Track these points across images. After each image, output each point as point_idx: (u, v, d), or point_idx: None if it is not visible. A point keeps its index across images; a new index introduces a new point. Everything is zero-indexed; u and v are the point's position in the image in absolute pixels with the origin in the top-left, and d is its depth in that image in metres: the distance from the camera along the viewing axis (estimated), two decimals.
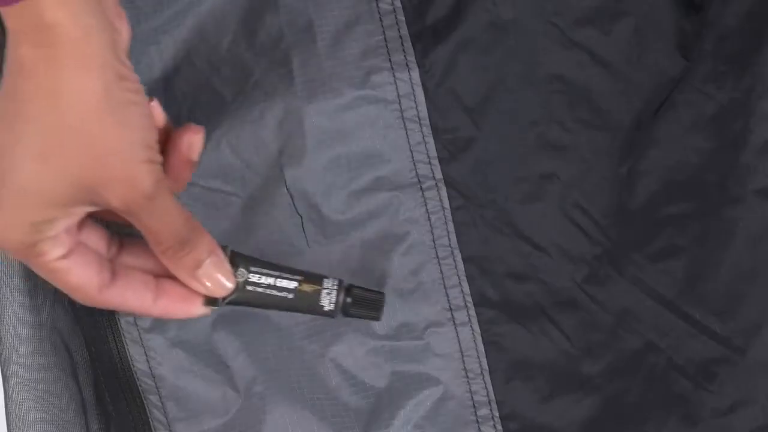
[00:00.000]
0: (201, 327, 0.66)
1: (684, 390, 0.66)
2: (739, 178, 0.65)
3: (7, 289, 0.64)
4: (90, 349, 0.66)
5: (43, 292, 0.65)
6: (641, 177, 0.65)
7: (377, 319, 0.63)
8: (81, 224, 0.54)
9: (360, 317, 0.63)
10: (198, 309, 0.57)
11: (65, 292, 0.54)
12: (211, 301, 0.58)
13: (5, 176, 0.49)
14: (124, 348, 0.66)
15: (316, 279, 0.61)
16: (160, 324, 0.65)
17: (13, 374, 0.64)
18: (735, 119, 0.64)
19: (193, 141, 0.55)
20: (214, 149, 0.64)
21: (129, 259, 0.57)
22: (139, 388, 0.66)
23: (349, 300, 0.62)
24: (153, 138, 0.52)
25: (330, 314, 0.61)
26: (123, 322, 0.65)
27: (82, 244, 0.54)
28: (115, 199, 0.50)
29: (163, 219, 0.52)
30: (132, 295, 0.55)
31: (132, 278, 0.56)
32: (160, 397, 0.66)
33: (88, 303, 0.55)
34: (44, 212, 0.50)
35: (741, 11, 0.64)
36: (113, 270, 0.55)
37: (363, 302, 0.62)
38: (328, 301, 0.61)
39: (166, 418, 0.66)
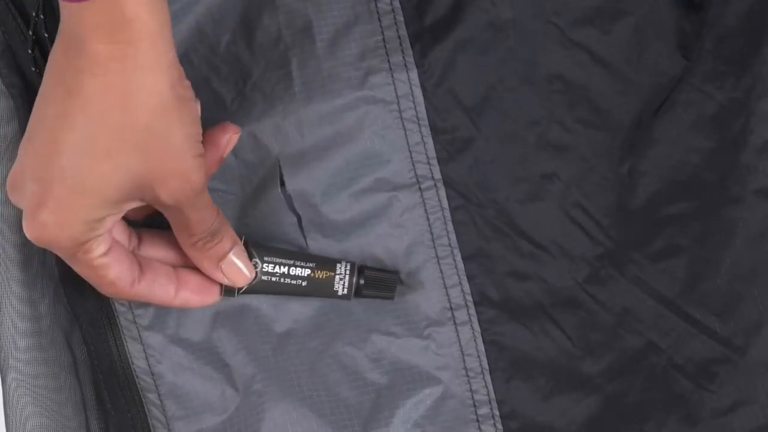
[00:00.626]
0: (200, 325, 0.66)
1: (684, 390, 0.66)
2: (739, 178, 0.65)
3: (6, 283, 0.64)
4: (89, 346, 0.67)
5: (41, 287, 0.66)
6: (642, 177, 0.65)
7: (391, 298, 0.65)
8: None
9: (374, 297, 0.65)
10: (215, 298, 0.59)
11: (97, 286, 0.56)
12: (228, 290, 0.60)
13: (66, 174, 0.50)
14: (123, 345, 0.66)
15: (329, 264, 0.63)
16: (159, 321, 0.66)
17: (11, 369, 0.64)
18: (735, 119, 0.64)
19: (231, 139, 0.58)
20: None
21: (149, 251, 0.58)
22: (138, 385, 0.66)
23: (362, 282, 0.64)
24: (200, 133, 0.53)
25: (345, 298, 0.64)
26: (122, 320, 0.66)
27: (116, 240, 0.55)
28: (167, 193, 0.51)
29: (202, 212, 0.54)
30: (158, 288, 0.57)
31: (157, 271, 0.58)
32: (159, 395, 0.66)
33: (118, 296, 0.57)
34: (101, 210, 0.51)
35: (741, 11, 0.64)
36: (140, 264, 0.57)
37: (376, 283, 0.64)
38: (341, 286, 0.64)
39: (165, 416, 0.67)
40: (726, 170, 0.65)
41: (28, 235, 0.53)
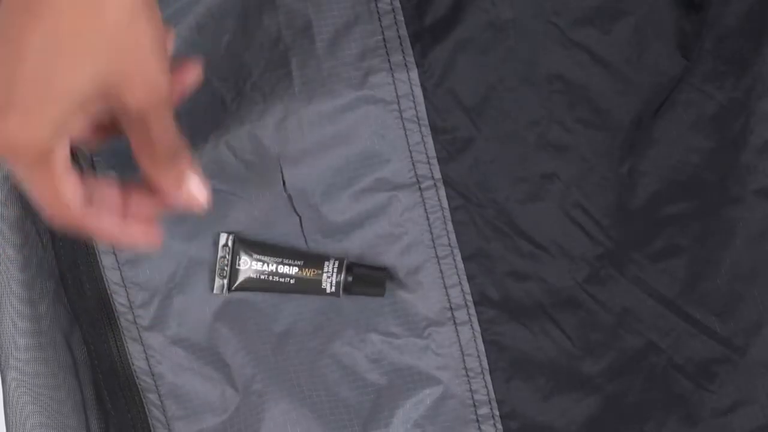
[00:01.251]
0: (200, 325, 0.66)
1: (684, 390, 0.66)
2: (739, 178, 0.65)
3: (6, 284, 0.64)
4: (89, 347, 0.67)
5: (43, 291, 0.66)
6: (642, 177, 0.65)
7: (381, 295, 0.65)
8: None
9: (363, 294, 0.65)
10: (157, 238, 0.56)
11: (49, 207, 0.54)
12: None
13: (32, 75, 0.49)
14: (124, 346, 0.66)
15: (317, 262, 0.64)
16: (159, 322, 0.66)
17: (11, 368, 0.64)
18: (735, 119, 0.64)
19: (195, 75, 0.56)
20: (213, 149, 0.64)
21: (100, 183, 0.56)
22: (138, 386, 0.66)
23: (350, 279, 0.64)
24: (168, 52, 0.52)
25: (333, 295, 0.64)
26: (122, 321, 0.66)
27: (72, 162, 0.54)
28: (134, 97, 0.50)
29: (165, 125, 0.53)
30: (107, 219, 0.55)
31: (106, 200, 0.55)
32: (159, 396, 0.66)
33: (68, 222, 0.54)
34: (67, 112, 0.50)
35: (741, 11, 0.64)
36: (91, 193, 0.55)
37: (365, 280, 0.65)
38: (329, 284, 0.64)
39: (165, 417, 0.67)
40: (726, 170, 0.65)
41: None
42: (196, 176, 0.55)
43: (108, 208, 0.55)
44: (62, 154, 0.52)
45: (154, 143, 0.53)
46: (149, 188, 0.56)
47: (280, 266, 0.64)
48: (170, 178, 0.55)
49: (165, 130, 0.53)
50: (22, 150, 0.51)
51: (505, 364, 0.66)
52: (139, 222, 0.56)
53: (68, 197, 0.53)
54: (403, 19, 0.64)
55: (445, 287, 0.66)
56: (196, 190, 0.55)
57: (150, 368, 0.66)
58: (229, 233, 0.65)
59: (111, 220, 0.55)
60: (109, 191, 0.55)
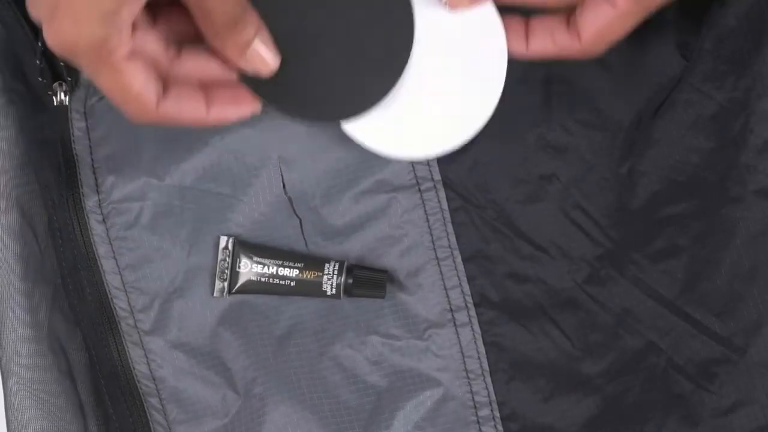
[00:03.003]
0: (201, 329, 0.66)
1: (684, 390, 0.66)
2: (739, 178, 0.65)
3: (7, 291, 0.64)
4: (90, 351, 0.67)
5: (42, 297, 0.65)
6: (641, 177, 0.65)
7: (381, 297, 0.65)
8: (137, 27, 0.53)
9: (364, 296, 0.65)
10: (253, 108, 0.57)
11: (123, 103, 0.53)
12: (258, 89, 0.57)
13: None
14: (125, 350, 0.66)
15: (318, 265, 0.64)
16: (160, 326, 0.66)
17: (12, 374, 0.64)
18: (735, 119, 0.64)
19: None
20: (213, 152, 0.64)
21: (188, 64, 0.56)
22: (140, 390, 0.66)
23: (350, 281, 0.64)
24: None
25: (334, 297, 0.64)
26: (123, 325, 0.66)
27: (140, 50, 0.53)
28: None
29: None
30: (188, 105, 0.55)
31: (185, 88, 0.55)
32: (161, 400, 0.66)
33: (145, 118, 0.54)
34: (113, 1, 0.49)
35: (741, 11, 0.64)
36: (166, 81, 0.55)
37: (365, 282, 0.65)
38: (329, 286, 0.64)
39: (167, 421, 0.67)
40: (726, 170, 0.65)
41: (49, 45, 0.51)
42: (260, 43, 0.55)
43: (188, 99, 0.55)
44: (122, 46, 0.51)
45: (211, 13, 0.52)
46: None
47: (281, 269, 0.64)
48: (233, 47, 0.54)
49: None
50: (77, 49, 0.50)
51: (506, 365, 0.66)
52: (221, 102, 0.56)
53: (136, 90, 0.53)
54: None
55: (446, 289, 0.66)
56: (258, 59, 0.55)
57: (151, 372, 0.66)
58: (229, 236, 0.65)
59: (193, 108, 0.55)
60: (188, 85, 0.55)
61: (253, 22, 0.54)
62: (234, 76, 0.56)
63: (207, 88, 0.56)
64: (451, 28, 0.58)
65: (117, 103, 0.54)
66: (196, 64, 0.56)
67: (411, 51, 0.57)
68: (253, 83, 0.56)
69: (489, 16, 0.58)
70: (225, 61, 0.55)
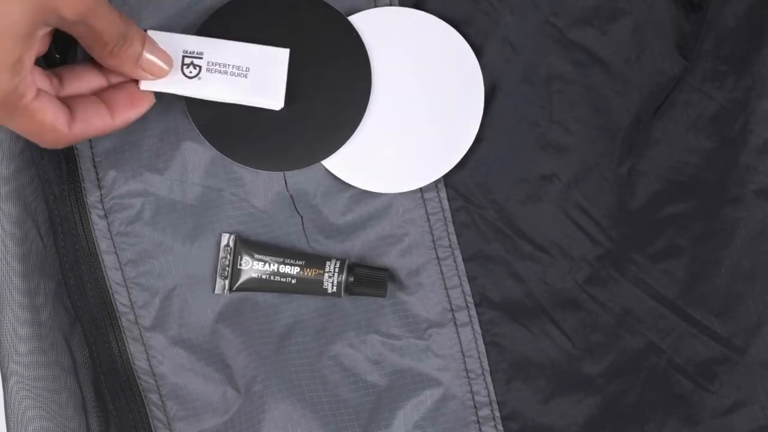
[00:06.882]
0: (202, 326, 0.66)
1: (684, 390, 0.66)
2: (739, 178, 0.65)
3: (7, 290, 0.64)
4: (90, 347, 0.67)
5: (44, 293, 0.65)
6: (641, 177, 0.65)
7: (382, 295, 0.65)
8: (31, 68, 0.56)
9: (365, 295, 0.65)
10: (149, 102, 0.60)
11: (39, 135, 0.57)
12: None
13: None
14: (125, 346, 0.66)
15: (319, 263, 0.64)
16: (161, 323, 0.66)
17: (12, 373, 0.64)
18: (735, 119, 0.65)
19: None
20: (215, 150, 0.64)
21: (73, 85, 0.59)
22: (140, 386, 0.66)
23: (351, 279, 0.64)
24: None
25: (335, 295, 0.64)
26: (124, 321, 0.66)
27: (40, 89, 0.56)
28: (69, 9, 0.53)
29: (106, 18, 0.55)
30: (95, 120, 0.58)
31: (87, 105, 0.59)
32: (161, 396, 0.66)
33: (59, 143, 0.57)
34: (16, 49, 0.52)
35: (740, 11, 0.64)
36: (69, 106, 0.58)
37: (366, 280, 0.65)
38: (330, 284, 0.64)
39: (166, 417, 0.67)
40: (726, 170, 0.65)
41: None
42: (149, 53, 0.59)
43: (93, 113, 0.58)
44: (30, 89, 0.55)
45: (101, 35, 0.55)
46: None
47: (282, 266, 0.64)
48: (127, 62, 0.58)
49: (106, 22, 0.55)
50: None
51: (506, 365, 0.66)
52: (123, 105, 0.59)
53: (50, 122, 0.56)
54: None
55: (446, 288, 0.66)
56: (153, 66, 0.59)
57: (151, 368, 0.66)
58: (230, 233, 0.65)
59: (100, 120, 0.59)
60: (87, 101, 0.59)
61: (138, 35, 0.58)
62: (115, 79, 0.60)
63: (102, 96, 0.59)
64: (419, 65, 0.62)
65: (34, 139, 0.57)
66: (80, 82, 0.59)
67: (366, 108, 0.62)
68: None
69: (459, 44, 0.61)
70: (126, 75, 0.60)
